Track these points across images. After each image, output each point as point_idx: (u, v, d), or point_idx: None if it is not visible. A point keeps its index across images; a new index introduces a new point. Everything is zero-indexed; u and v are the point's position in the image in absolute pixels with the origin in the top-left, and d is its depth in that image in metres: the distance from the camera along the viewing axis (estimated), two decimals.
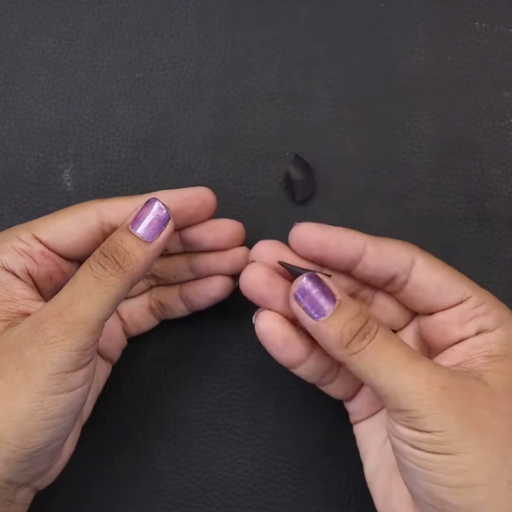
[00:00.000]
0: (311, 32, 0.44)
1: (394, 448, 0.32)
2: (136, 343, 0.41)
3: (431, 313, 0.34)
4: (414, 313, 0.36)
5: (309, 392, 0.41)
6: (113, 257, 0.32)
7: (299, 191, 0.42)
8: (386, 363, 0.30)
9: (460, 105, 0.43)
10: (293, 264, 0.34)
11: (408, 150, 0.43)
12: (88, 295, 0.31)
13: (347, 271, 0.35)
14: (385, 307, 0.36)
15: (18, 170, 0.43)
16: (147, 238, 0.33)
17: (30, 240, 0.34)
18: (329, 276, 0.33)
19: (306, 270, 0.34)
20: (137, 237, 0.33)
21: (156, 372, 0.41)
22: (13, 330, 0.31)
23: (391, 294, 0.36)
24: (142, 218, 0.33)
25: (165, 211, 0.33)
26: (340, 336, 0.31)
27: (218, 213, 0.42)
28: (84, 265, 0.32)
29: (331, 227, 0.34)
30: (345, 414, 0.40)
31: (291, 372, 0.42)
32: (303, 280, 0.32)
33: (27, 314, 0.33)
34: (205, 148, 0.43)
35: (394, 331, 0.37)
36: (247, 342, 0.42)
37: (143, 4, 0.44)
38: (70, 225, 0.34)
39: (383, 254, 0.34)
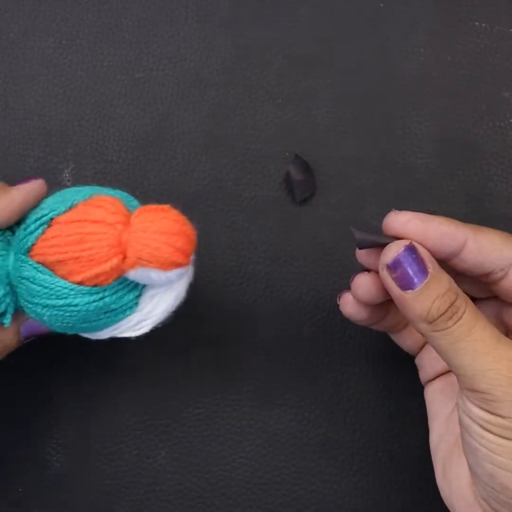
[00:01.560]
0: (311, 32, 0.44)
1: (461, 424, 0.31)
2: (135, 342, 0.41)
3: None
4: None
5: (309, 392, 0.41)
6: None
7: (299, 191, 0.42)
8: (469, 345, 0.30)
9: (460, 105, 0.43)
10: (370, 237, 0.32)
11: (408, 150, 0.43)
12: None
13: (443, 262, 0.33)
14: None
15: (18, 170, 0.43)
16: None
17: None
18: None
19: (387, 241, 0.32)
20: None
21: (156, 372, 0.41)
22: None
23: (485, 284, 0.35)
24: None
25: None
26: (426, 313, 0.30)
27: (218, 212, 0.43)
28: None
29: (430, 217, 0.33)
30: (345, 415, 0.40)
31: (291, 373, 0.42)
32: (400, 251, 0.31)
33: None
34: (205, 148, 0.43)
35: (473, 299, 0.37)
36: (247, 342, 0.42)
37: (143, 4, 0.44)
38: None
39: (483, 250, 0.32)
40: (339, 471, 0.41)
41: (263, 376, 0.41)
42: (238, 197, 0.43)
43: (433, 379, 0.37)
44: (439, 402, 0.36)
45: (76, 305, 0.30)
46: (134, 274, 0.30)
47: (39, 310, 0.31)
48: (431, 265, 0.31)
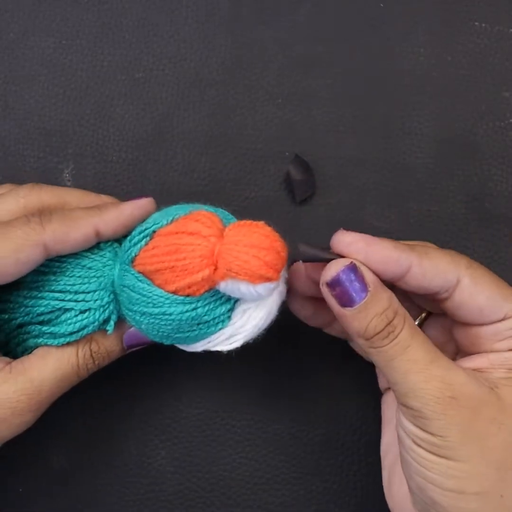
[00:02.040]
0: (311, 32, 0.44)
1: (398, 437, 0.32)
2: None
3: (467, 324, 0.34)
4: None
5: (308, 393, 0.41)
6: None
7: (299, 191, 0.42)
8: (402, 365, 0.30)
9: (460, 105, 0.43)
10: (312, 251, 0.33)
11: (408, 150, 0.43)
12: None
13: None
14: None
15: (18, 170, 0.43)
16: None
17: None
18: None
19: (330, 257, 0.32)
20: None
21: (156, 372, 0.41)
22: None
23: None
24: None
25: None
26: (363, 330, 0.31)
27: None
28: None
29: (376, 240, 0.32)
30: (344, 415, 0.40)
31: (291, 373, 0.42)
32: (339, 270, 0.31)
33: None
34: (205, 148, 0.43)
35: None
36: (247, 343, 0.42)
37: (143, 4, 0.44)
38: (12, 267, 0.32)
39: (427, 275, 0.32)
40: (339, 471, 0.41)
41: (263, 376, 0.41)
42: (238, 197, 0.43)
43: (388, 388, 0.37)
44: (391, 410, 0.36)
45: (170, 314, 0.32)
46: (225, 286, 0.31)
47: (137, 317, 0.33)
48: (372, 284, 0.31)
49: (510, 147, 0.43)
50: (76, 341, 0.34)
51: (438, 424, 0.29)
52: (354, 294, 0.31)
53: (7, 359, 0.33)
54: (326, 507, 0.41)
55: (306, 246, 0.32)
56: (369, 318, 0.31)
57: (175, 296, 0.32)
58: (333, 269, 0.31)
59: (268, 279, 0.31)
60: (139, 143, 0.43)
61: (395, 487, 0.34)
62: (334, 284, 0.31)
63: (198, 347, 0.34)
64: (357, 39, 0.44)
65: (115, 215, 0.34)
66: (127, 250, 0.33)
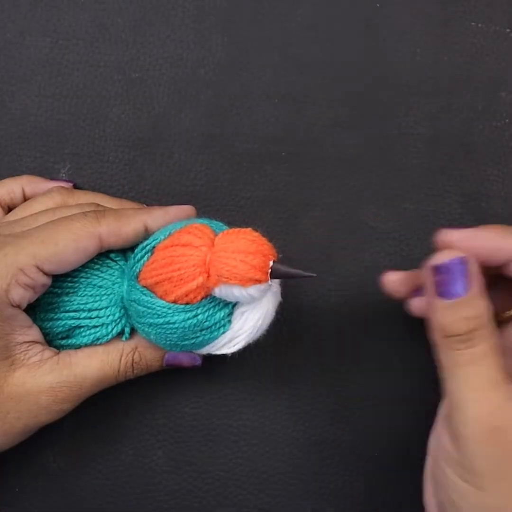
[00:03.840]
0: (307, 32, 0.44)
1: (430, 445, 0.32)
2: None
3: None
4: None
5: (306, 392, 0.41)
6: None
7: None
8: (463, 375, 0.30)
9: (457, 105, 0.43)
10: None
11: (404, 150, 0.43)
12: None
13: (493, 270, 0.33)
14: None
15: (15, 170, 0.43)
16: None
17: (35, 274, 0.33)
18: None
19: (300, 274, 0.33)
20: None
21: (152, 372, 0.41)
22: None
23: None
24: None
25: None
26: (444, 327, 0.30)
27: (215, 212, 0.43)
28: None
29: (482, 232, 0.32)
30: (342, 415, 0.40)
31: (288, 373, 0.42)
32: (452, 259, 0.30)
33: (24, 343, 0.34)
34: (201, 148, 0.43)
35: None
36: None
37: (139, 5, 0.44)
38: (72, 255, 0.34)
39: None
40: (336, 471, 0.41)
41: (260, 376, 0.41)
42: (234, 197, 0.43)
43: None
44: None
45: (174, 323, 0.34)
46: (219, 292, 0.33)
47: (146, 329, 0.35)
48: (475, 285, 0.30)
49: (507, 147, 0.43)
50: (122, 349, 0.36)
51: (474, 449, 0.29)
52: (455, 288, 0.30)
53: (54, 349, 0.36)
54: (323, 507, 0.41)
55: (278, 264, 0.33)
56: (457, 317, 0.30)
57: (176, 305, 0.34)
58: (446, 255, 0.31)
59: (257, 281, 0.33)
60: (135, 143, 0.43)
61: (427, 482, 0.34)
62: (440, 270, 0.30)
63: (203, 352, 0.36)
64: (353, 39, 0.44)
65: (161, 213, 0.36)
66: (132, 267, 0.35)
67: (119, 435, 0.41)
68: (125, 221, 0.35)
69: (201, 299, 0.34)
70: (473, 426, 0.29)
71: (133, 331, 0.37)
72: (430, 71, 0.44)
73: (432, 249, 0.42)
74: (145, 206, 0.40)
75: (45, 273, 0.34)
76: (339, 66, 0.44)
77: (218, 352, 0.36)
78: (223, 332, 0.35)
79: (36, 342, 0.35)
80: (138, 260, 0.35)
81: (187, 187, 0.43)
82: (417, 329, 0.41)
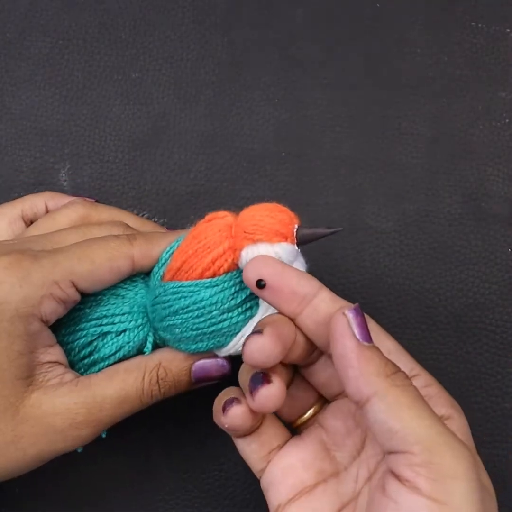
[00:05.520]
0: (308, 32, 0.44)
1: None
2: None
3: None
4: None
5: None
6: None
7: None
8: (411, 408, 0.28)
9: (456, 105, 0.43)
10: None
11: (404, 150, 0.43)
12: None
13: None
14: None
15: (15, 170, 0.43)
16: None
17: (69, 289, 0.33)
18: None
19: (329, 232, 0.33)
20: None
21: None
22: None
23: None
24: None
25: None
26: (384, 365, 0.28)
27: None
28: None
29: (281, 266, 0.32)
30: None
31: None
32: (356, 308, 0.29)
33: (46, 363, 0.33)
34: (201, 148, 0.43)
35: None
36: None
37: (139, 4, 0.44)
38: (107, 274, 0.34)
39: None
40: None
41: None
42: (234, 197, 0.43)
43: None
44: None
45: (201, 301, 0.33)
46: (246, 255, 0.32)
47: (171, 322, 0.34)
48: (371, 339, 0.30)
49: (507, 147, 0.43)
50: (144, 366, 0.35)
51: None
52: (367, 332, 0.29)
53: (76, 373, 0.34)
54: None
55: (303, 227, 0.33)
56: (384, 357, 0.29)
57: (202, 281, 0.33)
58: (350, 307, 0.30)
59: (284, 237, 0.32)
60: (135, 143, 0.43)
61: None
62: (357, 313, 0.29)
63: (230, 350, 0.34)
64: (353, 39, 0.44)
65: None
66: (156, 274, 0.35)
67: (119, 435, 0.41)
68: (156, 243, 0.35)
69: (228, 271, 0.33)
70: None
71: (156, 348, 0.36)
72: (430, 71, 0.44)
73: (431, 249, 0.42)
74: (165, 229, 0.41)
75: (78, 290, 0.33)
76: (339, 66, 0.44)
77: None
78: (251, 316, 0.33)
79: (59, 363, 0.33)
80: (162, 264, 0.35)
81: (187, 187, 0.43)
82: (417, 330, 0.42)
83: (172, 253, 0.35)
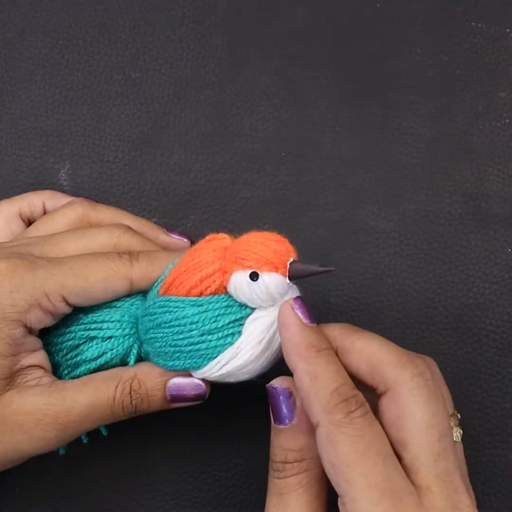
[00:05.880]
0: (308, 32, 0.44)
1: None
2: None
3: None
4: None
5: None
6: None
7: None
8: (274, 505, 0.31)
9: (456, 105, 0.43)
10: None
11: (404, 150, 0.43)
12: None
13: None
14: None
15: (15, 170, 0.43)
16: None
17: (58, 303, 0.33)
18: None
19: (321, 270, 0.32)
20: None
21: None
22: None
23: None
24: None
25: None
26: (270, 450, 0.32)
27: (215, 212, 0.43)
28: None
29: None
30: None
31: (288, 373, 0.42)
32: (278, 388, 0.33)
33: (28, 366, 0.33)
34: (201, 148, 0.43)
35: None
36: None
37: (139, 4, 0.44)
38: (100, 293, 0.34)
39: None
40: None
41: (260, 375, 0.41)
42: (234, 197, 0.43)
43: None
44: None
45: (182, 318, 0.33)
46: (234, 281, 0.32)
47: (153, 334, 0.34)
48: (297, 418, 0.32)
49: (507, 147, 0.43)
50: (120, 376, 0.34)
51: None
52: (279, 415, 0.32)
53: (55, 378, 0.34)
54: None
55: (298, 263, 0.32)
56: (275, 444, 0.32)
57: (188, 298, 0.33)
58: (277, 381, 0.33)
59: (275, 267, 0.32)
60: (135, 143, 0.43)
61: None
62: (271, 394, 0.33)
63: (208, 371, 0.34)
64: (353, 39, 0.44)
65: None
66: (154, 288, 0.35)
67: (119, 435, 0.41)
68: (158, 265, 0.35)
69: (215, 293, 0.33)
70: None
71: (139, 361, 0.36)
72: (430, 71, 0.44)
73: (431, 249, 0.42)
74: (164, 228, 0.40)
75: (68, 304, 0.34)
76: (339, 66, 0.44)
77: (220, 372, 0.34)
78: (230, 343, 0.33)
79: (40, 367, 0.34)
80: (162, 280, 0.35)
81: (187, 187, 0.43)
82: (417, 329, 0.42)
83: (170, 268, 0.35)
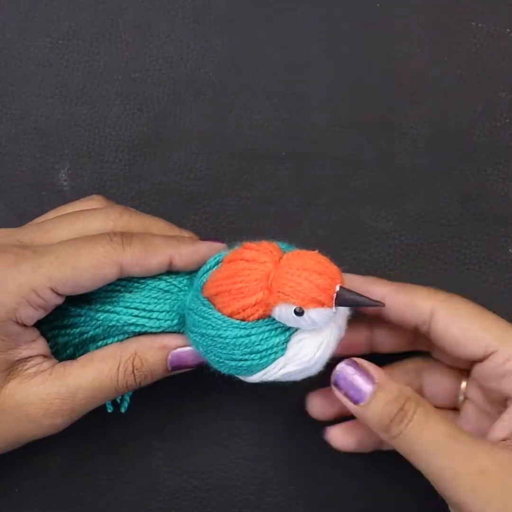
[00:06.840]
0: (308, 32, 0.44)
1: None
2: None
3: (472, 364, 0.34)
4: None
5: (307, 393, 0.41)
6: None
7: None
8: (423, 447, 0.30)
9: (456, 105, 0.43)
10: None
11: (404, 150, 0.43)
12: None
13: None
14: None
15: (14, 170, 0.43)
16: None
17: (48, 295, 0.32)
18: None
19: (368, 303, 0.32)
20: None
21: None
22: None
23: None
24: None
25: None
26: (379, 421, 0.31)
27: (215, 213, 0.43)
28: None
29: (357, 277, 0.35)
30: (345, 415, 0.40)
31: None
32: (341, 366, 0.33)
33: (28, 357, 0.33)
34: (201, 148, 0.43)
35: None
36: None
37: (139, 4, 0.44)
38: (89, 281, 0.33)
39: (399, 307, 0.34)
40: (336, 471, 0.41)
41: None
42: (234, 197, 0.43)
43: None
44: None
45: (225, 338, 0.33)
46: (279, 312, 0.32)
47: (197, 339, 0.34)
48: (377, 374, 0.32)
49: (507, 147, 0.43)
50: (120, 356, 0.34)
51: (472, 505, 0.29)
52: (361, 388, 0.32)
53: (54, 361, 0.34)
54: (324, 507, 0.41)
55: (345, 290, 0.32)
56: (380, 407, 0.31)
57: (231, 320, 0.33)
58: (336, 369, 0.33)
59: (320, 303, 0.31)
60: (135, 143, 0.43)
61: None
62: (339, 384, 0.33)
63: (255, 379, 0.34)
64: (353, 39, 0.44)
65: (191, 250, 0.35)
66: (200, 277, 0.35)
67: (120, 436, 0.41)
68: (151, 251, 0.34)
69: (259, 318, 0.33)
70: (458, 485, 0.30)
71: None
72: (430, 71, 0.44)
73: (431, 249, 0.42)
74: (195, 236, 0.38)
75: (59, 294, 0.33)
76: (339, 66, 0.44)
77: (270, 379, 0.34)
78: (275, 359, 0.33)
79: (40, 355, 0.34)
80: (206, 272, 0.35)
81: (187, 187, 0.43)
82: None
83: (219, 261, 0.34)
